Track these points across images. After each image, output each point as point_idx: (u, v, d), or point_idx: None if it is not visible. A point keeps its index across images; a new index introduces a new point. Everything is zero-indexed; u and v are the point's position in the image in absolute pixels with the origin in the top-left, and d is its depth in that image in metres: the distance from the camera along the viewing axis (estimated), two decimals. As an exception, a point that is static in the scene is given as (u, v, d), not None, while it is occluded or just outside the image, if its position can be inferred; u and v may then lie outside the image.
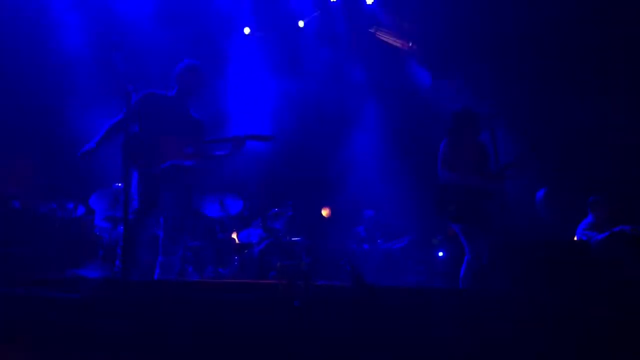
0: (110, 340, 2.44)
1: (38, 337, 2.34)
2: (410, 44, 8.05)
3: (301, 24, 8.08)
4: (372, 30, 8.19)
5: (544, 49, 6.82)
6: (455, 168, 4.73)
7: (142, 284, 3.54)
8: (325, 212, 7.59)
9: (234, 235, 6.67)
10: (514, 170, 4.82)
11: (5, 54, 6.24)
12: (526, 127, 6.73)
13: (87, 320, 2.28)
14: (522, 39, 6.85)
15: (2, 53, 6.22)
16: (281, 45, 8.12)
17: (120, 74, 3.94)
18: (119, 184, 5.99)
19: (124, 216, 3.88)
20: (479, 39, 7.14)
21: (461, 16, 7.08)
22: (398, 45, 8.12)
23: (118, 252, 4.18)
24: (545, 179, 6.59)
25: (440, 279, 6.80)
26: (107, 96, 5.11)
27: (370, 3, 7.87)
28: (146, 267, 4.37)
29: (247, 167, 6.74)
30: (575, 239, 6.04)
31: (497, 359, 2.70)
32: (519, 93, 6.97)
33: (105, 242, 5.64)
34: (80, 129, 6.03)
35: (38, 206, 5.64)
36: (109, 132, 4.29)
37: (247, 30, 7.92)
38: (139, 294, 2.91)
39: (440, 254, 7.20)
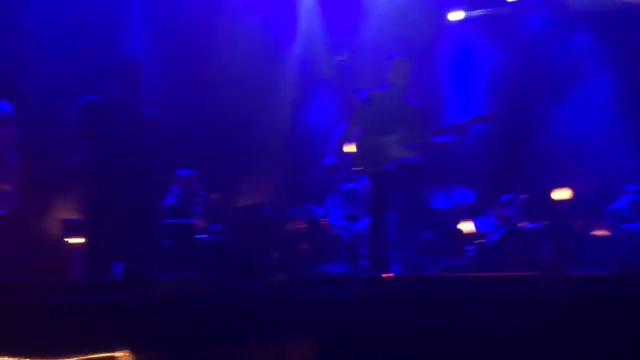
0: (374, 335, 2.56)
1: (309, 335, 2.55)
2: None
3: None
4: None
5: None
6: None
7: (395, 279, 3.69)
8: (564, 193, 6.95)
9: (466, 225, 6.56)
10: None
11: (236, 63, 6.92)
12: None
13: (355, 318, 2.44)
14: None
15: (237, 63, 6.95)
16: (493, 21, 7.75)
17: (346, 79, 4.20)
18: (352, 184, 6.35)
19: (366, 216, 4.14)
20: None
21: None
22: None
23: (361, 251, 4.44)
24: None
25: None
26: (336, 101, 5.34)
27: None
28: (386, 263, 4.56)
29: (474, 153, 6.57)
30: None
31: None
32: None
33: (345, 241, 6.02)
34: (311, 132, 6.58)
35: (285, 211, 6.26)
36: (342, 142, 4.59)
37: (456, 16, 7.68)
38: (398, 291, 3.00)
39: None
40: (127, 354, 2.04)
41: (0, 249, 4.23)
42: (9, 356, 1.99)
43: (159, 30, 6.60)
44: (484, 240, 6.17)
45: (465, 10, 7.66)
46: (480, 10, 7.69)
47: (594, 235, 6.50)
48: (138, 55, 4.20)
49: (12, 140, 4.15)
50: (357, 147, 4.53)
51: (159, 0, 6.74)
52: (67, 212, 5.65)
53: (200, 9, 6.78)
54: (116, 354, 2.02)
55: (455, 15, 7.66)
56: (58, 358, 2.01)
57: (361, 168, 4.52)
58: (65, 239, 5.53)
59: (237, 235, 5.79)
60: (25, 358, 1.99)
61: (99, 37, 6.01)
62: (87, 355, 2.01)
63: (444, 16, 7.52)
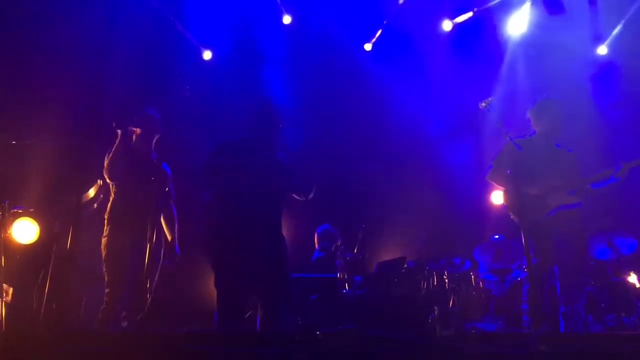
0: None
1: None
2: None
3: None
4: None
5: None
6: None
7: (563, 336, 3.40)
8: None
9: (633, 278, 5.92)
10: None
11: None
12: None
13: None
14: None
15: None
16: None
17: (497, 123, 4.05)
18: (497, 236, 6.06)
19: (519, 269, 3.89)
20: None
21: None
22: None
23: (524, 307, 4.15)
24: None
25: None
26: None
27: None
28: (550, 319, 4.24)
29: (637, 197, 5.99)
30: None
31: None
32: None
33: (495, 295, 5.70)
34: (458, 183, 6.40)
35: (427, 264, 6.09)
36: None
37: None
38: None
39: None
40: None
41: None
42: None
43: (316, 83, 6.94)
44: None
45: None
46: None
47: None
48: (280, 101, 4.19)
49: (171, 196, 4.51)
50: (512, 195, 4.32)
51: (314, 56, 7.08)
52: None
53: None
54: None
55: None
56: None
57: (518, 217, 4.27)
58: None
59: (380, 288, 5.71)
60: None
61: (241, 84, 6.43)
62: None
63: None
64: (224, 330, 3.34)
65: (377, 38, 7.28)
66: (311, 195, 3.88)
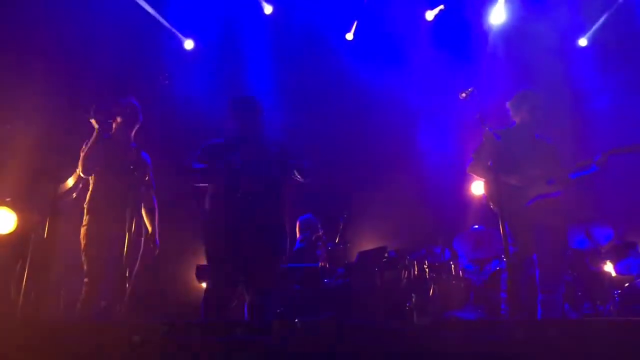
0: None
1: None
2: None
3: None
4: None
5: None
6: None
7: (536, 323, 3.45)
8: None
9: (609, 267, 6.02)
10: None
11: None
12: None
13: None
14: None
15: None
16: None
17: (476, 114, 4.05)
18: (477, 226, 6.12)
19: (506, 259, 3.94)
20: None
21: None
22: None
23: (502, 295, 4.20)
24: None
25: None
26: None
27: None
28: (528, 307, 4.29)
29: (614, 188, 6.08)
30: None
31: None
32: None
33: (475, 284, 5.76)
34: (439, 173, 6.43)
35: (408, 253, 6.13)
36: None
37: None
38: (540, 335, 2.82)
39: None
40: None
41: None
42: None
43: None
44: (630, 284, 5.61)
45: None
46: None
47: None
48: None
49: (152, 186, 4.46)
50: (492, 186, 4.35)
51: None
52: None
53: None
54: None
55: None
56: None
57: (498, 206, 4.30)
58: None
59: (361, 278, 5.74)
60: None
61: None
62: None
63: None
64: (203, 319, 3.34)
65: (359, 28, 7.26)
66: (310, 177, 3.92)
